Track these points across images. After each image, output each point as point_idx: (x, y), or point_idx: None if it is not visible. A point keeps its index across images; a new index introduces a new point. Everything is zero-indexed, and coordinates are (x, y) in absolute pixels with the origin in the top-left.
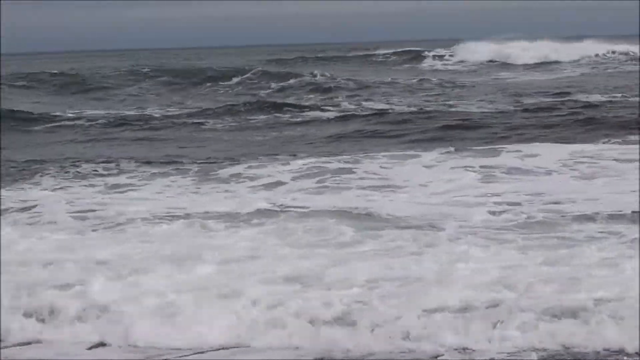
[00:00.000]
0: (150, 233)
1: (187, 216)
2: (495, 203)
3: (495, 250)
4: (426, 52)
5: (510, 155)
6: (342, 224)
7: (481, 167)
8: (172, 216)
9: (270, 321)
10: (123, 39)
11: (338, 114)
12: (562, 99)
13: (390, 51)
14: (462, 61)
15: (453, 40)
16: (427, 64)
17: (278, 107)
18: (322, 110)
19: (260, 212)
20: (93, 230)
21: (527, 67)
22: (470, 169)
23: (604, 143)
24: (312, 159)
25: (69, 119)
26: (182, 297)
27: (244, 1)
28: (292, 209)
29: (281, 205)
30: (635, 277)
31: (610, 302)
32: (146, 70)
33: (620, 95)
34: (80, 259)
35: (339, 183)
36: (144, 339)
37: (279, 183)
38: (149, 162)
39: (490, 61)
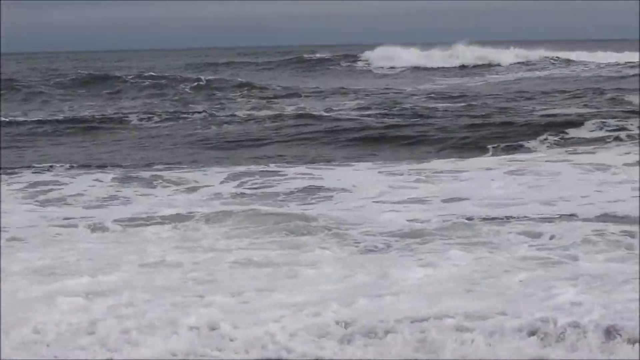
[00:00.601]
0: (45, 240)
1: (95, 221)
2: (419, 210)
3: (384, 257)
4: (359, 55)
5: (442, 159)
6: (251, 229)
7: (411, 170)
8: (80, 220)
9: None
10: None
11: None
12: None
13: (318, 56)
14: (392, 66)
15: (370, 46)
16: (359, 68)
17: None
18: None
19: (174, 217)
20: None
21: (463, 70)
22: (401, 173)
23: (542, 141)
24: (240, 165)
25: None
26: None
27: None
28: (207, 212)
29: (195, 210)
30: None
31: (452, 317)
32: (51, 73)
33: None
34: None
35: (263, 187)
36: None
37: (204, 186)
38: (74, 164)
39: (416, 67)
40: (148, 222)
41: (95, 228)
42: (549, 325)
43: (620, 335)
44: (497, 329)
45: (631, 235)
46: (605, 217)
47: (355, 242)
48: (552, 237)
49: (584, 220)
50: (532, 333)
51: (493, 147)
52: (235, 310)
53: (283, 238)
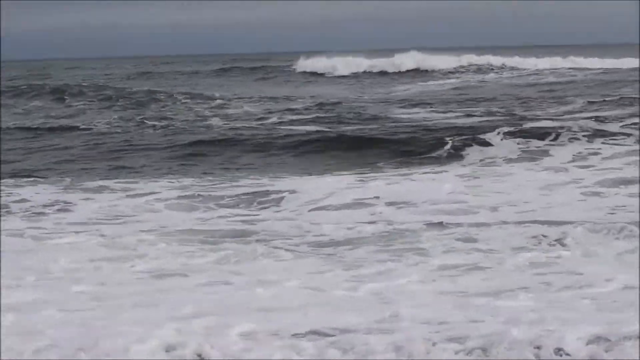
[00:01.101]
0: None
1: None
2: (361, 215)
3: (307, 266)
4: (299, 62)
5: (396, 161)
6: (183, 238)
7: (361, 174)
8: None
9: None
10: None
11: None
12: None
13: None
14: (340, 73)
15: (315, 52)
16: (305, 74)
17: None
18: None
19: (107, 226)
20: None
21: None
22: (350, 176)
23: (497, 134)
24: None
25: None
26: None
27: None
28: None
29: (131, 218)
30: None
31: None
32: None
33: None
34: None
35: (207, 192)
36: None
37: (147, 193)
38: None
39: (365, 72)
40: (78, 230)
41: (18, 238)
42: (462, 340)
43: (540, 348)
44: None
45: (563, 244)
46: (545, 223)
47: (286, 251)
48: (487, 245)
49: (524, 225)
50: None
51: (450, 140)
52: (123, 324)
53: (211, 247)
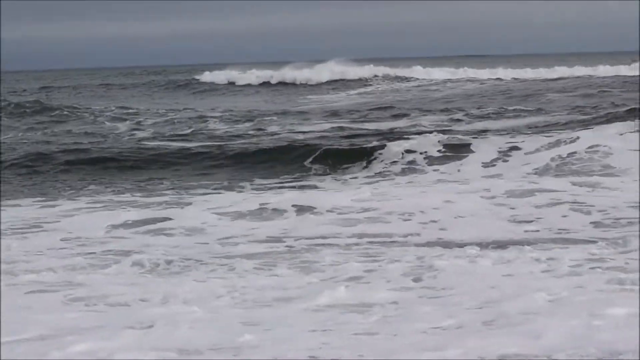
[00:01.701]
0: None
1: None
2: (267, 228)
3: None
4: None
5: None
6: (73, 256)
7: (272, 189)
8: None
9: None
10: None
11: None
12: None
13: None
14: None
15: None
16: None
17: None
18: None
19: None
20: None
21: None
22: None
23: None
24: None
25: None
26: None
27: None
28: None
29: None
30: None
31: None
32: None
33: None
34: None
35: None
36: None
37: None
38: None
39: (281, 83)
40: None
41: None
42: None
43: None
44: None
45: (456, 260)
46: (442, 239)
47: (174, 266)
48: (375, 259)
49: (422, 241)
50: None
51: (376, 140)
52: None
53: (109, 260)
